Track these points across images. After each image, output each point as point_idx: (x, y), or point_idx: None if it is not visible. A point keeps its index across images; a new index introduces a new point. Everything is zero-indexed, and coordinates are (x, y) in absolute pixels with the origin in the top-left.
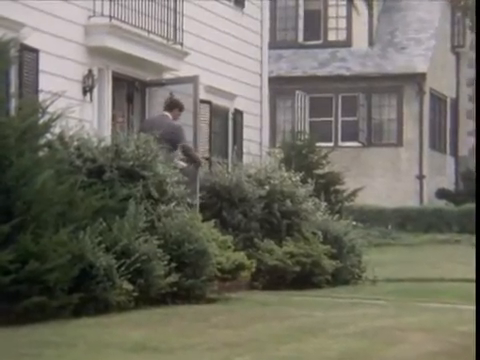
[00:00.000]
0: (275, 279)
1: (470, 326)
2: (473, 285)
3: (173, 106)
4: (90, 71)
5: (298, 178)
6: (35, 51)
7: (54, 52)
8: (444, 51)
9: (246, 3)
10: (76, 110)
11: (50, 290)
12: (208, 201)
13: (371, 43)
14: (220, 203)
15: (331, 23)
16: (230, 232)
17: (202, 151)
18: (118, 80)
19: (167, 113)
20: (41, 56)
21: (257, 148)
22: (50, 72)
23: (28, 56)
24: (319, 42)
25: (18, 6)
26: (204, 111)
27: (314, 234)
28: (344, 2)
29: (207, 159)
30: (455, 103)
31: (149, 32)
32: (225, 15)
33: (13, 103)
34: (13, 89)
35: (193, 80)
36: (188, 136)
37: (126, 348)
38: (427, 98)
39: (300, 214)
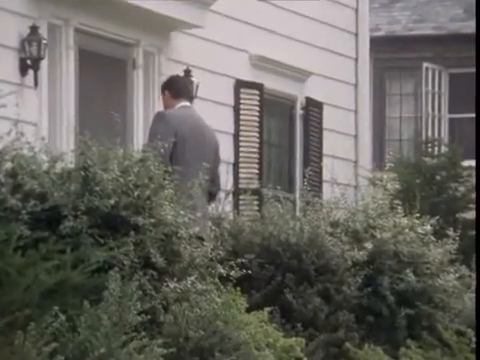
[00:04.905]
0: None
1: None
2: None
3: None
4: (34, 29)
5: (429, 228)
6: None
7: None
8: None
9: None
10: (7, 103)
11: None
12: (259, 272)
13: None
14: (281, 276)
15: None
16: (300, 330)
17: (247, 178)
18: (88, 47)
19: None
20: None
21: (349, 171)
22: None
23: None
24: None
25: None
26: (249, 102)
27: (461, 335)
28: None
29: (255, 192)
30: None
31: None
32: None
33: None
34: None
35: None
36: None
37: None
38: None
39: (433, 297)
